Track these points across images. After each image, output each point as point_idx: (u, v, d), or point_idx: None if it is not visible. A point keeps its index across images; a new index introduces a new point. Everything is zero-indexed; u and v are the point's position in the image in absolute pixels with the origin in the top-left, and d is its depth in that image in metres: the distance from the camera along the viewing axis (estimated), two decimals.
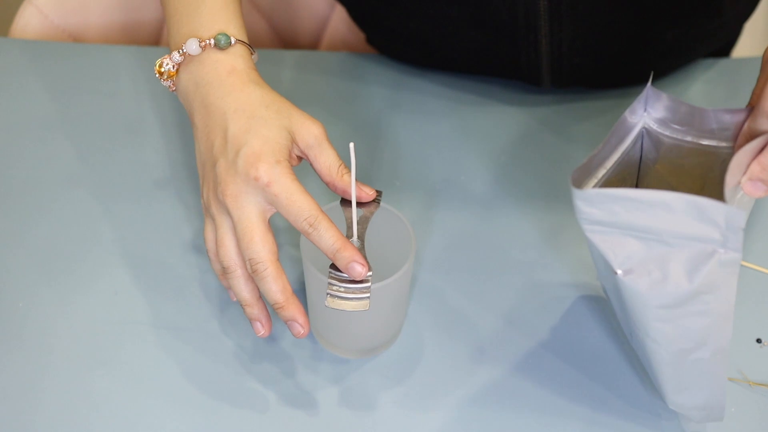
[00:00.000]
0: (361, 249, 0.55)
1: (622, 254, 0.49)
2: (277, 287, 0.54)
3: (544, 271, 0.66)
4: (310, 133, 0.57)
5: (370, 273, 0.53)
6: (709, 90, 0.80)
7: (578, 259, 0.66)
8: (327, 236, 0.53)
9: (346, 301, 0.53)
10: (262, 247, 0.54)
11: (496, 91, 0.79)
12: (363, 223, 0.56)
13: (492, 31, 0.73)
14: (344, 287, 0.53)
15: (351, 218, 0.56)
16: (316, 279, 0.54)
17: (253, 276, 0.55)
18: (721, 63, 0.82)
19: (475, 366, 0.60)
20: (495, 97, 0.78)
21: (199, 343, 0.61)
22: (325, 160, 0.57)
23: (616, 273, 0.49)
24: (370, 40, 0.84)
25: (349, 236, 0.55)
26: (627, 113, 0.54)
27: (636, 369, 0.60)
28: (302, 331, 0.56)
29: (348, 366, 0.60)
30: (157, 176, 0.71)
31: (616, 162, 0.55)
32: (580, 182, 0.52)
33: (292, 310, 0.55)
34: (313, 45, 0.93)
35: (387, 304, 0.57)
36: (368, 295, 0.53)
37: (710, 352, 0.50)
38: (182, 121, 0.75)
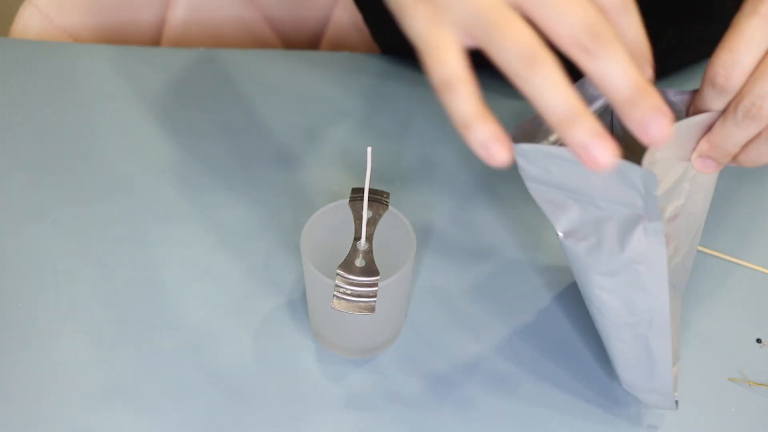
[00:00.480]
0: (369, 252, 0.55)
1: (563, 216, 0.48)
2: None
3: (547, 270, 0.66)
4: None
5: (377, 277, 0.53)
6: None
7: None
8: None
9: (352, 304, 0.53)
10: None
11: (496, 86, 0.79)
12: (372, 224, 0.56)
13: None
14: (351, 290, 0.53)
15: (360, 219, 0.55)
16: (318, 281, 0.54)
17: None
18: None
19: (475, 365, 0.60)
20: (496, 91, 0.78)
21: (200, 343, 0.61)
22: None
23: (558, 235, 0.48)
24: (374, 33, 0.84)
25: (357, 238, 0.55)
26: (586, 80, 0.51)
27: None
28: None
29: (348, 366, 0.60)
30: (155, 175, 0.71)
31: None
32: (525, 140, 0.49)
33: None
34: (318, 31, 0.93)
35: (387, 304, 0.57)
36: (375, 298, 0.53)
37: (653, 330, 0.50)
38: (182, 122, 0.75)
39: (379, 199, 0.57)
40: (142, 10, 0.89)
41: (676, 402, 0.55)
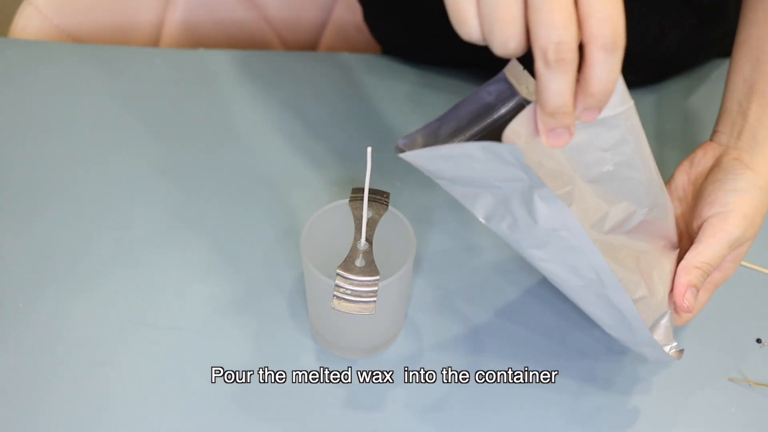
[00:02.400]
0: (369, 252, 0.55)
1: (476, 203, 0.49)
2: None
3: None
4: None
5: (377, 277, 0.53)
6: (719, 88, 0.80)
7: None
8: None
9: (352, 304, 0.53)
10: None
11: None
12: (371, 225, 0.56)
13: None
14: (351, 290, 0.53)
15: (360, 220, 0.55)
16: (318, 281, 0.54)
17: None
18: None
19: (475, 365, 0.60)
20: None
21: (200, 343, 0.61)
22: None
23: (482, 221, 0.49)
24: (378, 39, 0.84)
25: (357, 239, 0.55)
26: (484, 92, 0.50)
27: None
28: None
29: (348, 366, 0.60)
30: (155, 176, 0.71)
31: (482, 130, 0.51)
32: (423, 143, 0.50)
33: None
34: (318, 31, 0.93)
35: (387, 304, 0.57)
36: (374, 299, 0.53)
37: (607, 288, 0.50)
38: (181, 122, 0.75)
39: (379, 199, 0.57)
40: (141, 10, 0.89)
41: (680, 350, 0.55)
